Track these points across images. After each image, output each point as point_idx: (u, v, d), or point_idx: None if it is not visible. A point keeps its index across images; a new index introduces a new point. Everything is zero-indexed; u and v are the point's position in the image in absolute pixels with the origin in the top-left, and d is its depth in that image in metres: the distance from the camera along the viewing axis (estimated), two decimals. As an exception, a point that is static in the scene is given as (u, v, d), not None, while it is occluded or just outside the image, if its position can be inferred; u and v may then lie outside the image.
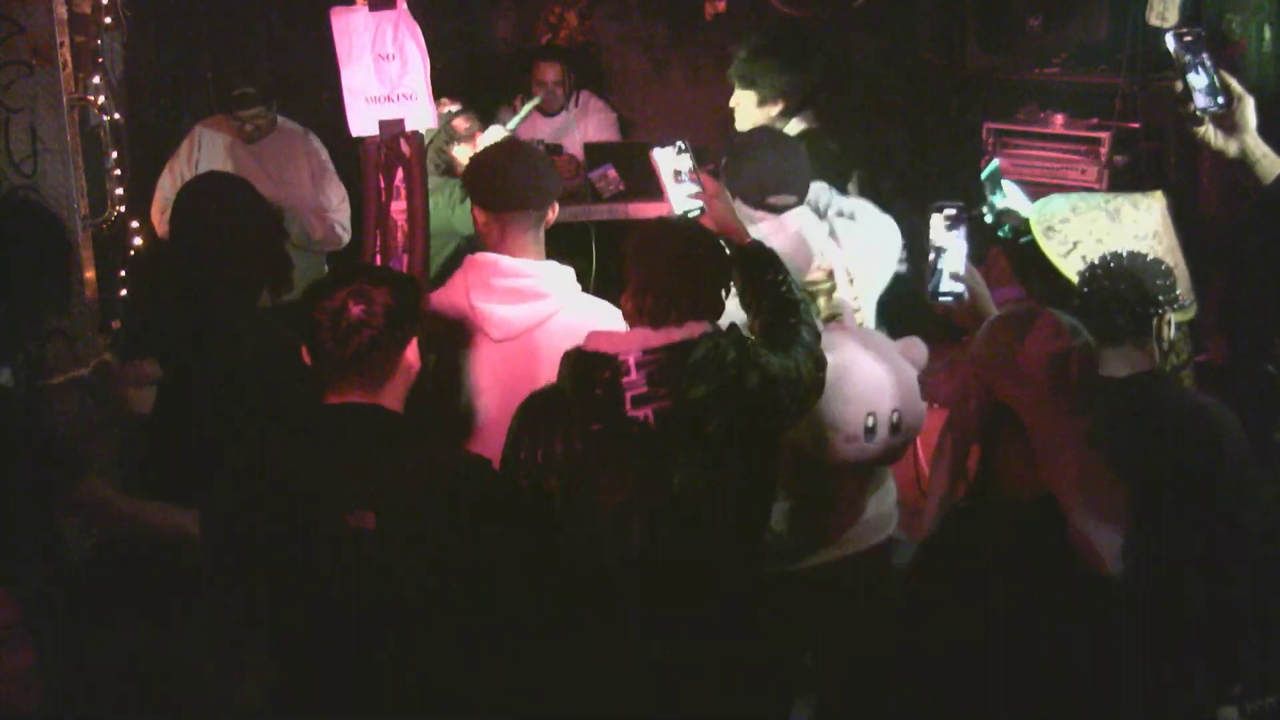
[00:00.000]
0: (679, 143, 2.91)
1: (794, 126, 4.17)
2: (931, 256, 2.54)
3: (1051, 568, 2.17)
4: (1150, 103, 4.41)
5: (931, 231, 2.54)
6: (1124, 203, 2.97)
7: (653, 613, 2.48)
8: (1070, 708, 2.20)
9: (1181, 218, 3.42)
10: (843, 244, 3.19)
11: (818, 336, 2.75)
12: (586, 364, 2.51)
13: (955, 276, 2.53)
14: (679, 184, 2.92)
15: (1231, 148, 2.35)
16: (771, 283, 2.75)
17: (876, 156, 5.08)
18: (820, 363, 2.67)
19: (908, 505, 3.31)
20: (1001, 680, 2.20)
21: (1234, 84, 2.34)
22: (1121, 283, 2.41)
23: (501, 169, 3.05)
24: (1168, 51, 2.36)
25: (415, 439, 2.38)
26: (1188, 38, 2.34)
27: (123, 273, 4.20)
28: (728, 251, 2.72)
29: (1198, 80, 2.32)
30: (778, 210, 3.15)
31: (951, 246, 2.54)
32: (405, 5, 3.27)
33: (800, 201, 3.20)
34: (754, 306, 2.78)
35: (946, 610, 2.30)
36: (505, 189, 3.00)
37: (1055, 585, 2.17)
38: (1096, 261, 2.51)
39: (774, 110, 4.13)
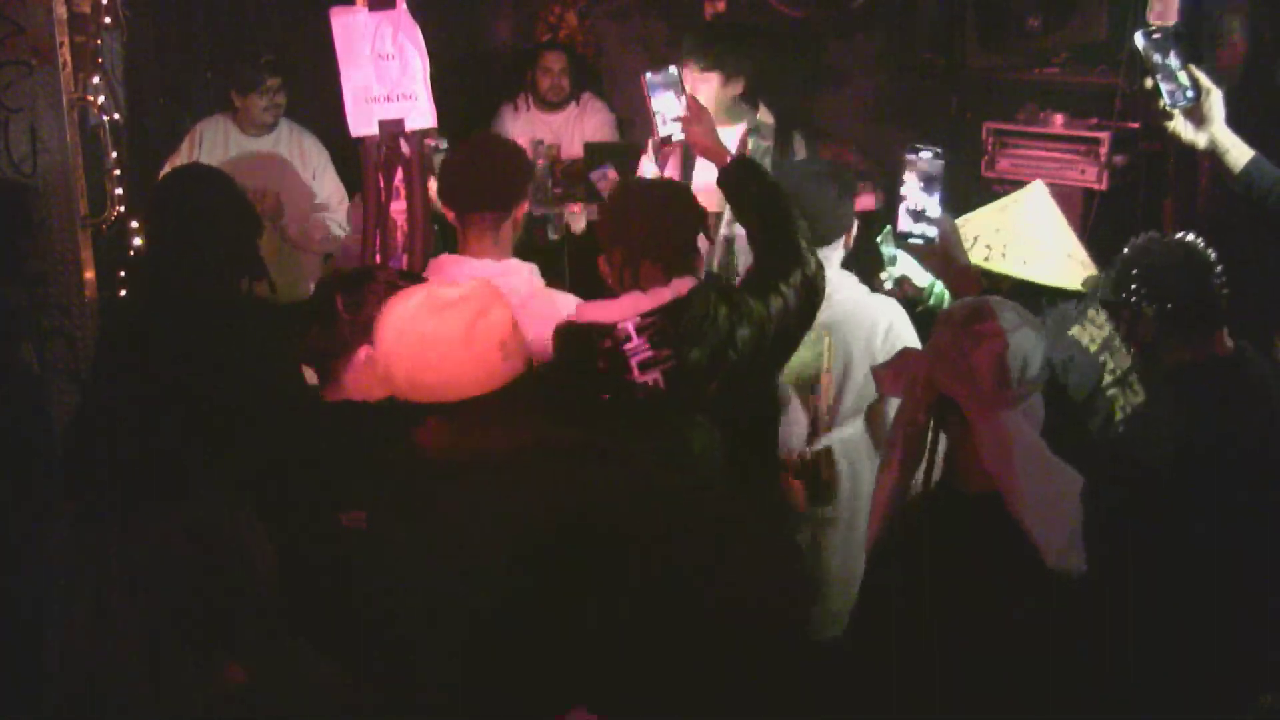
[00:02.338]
0: (670, 68, 2.98)
1: (765, 115, 4.25)
2: (904, 198, 2.56)
3: (1002, 560, 2.16)
4: (1150, 103, 4.41)
5: (905, 173, 2.56)
6: (1007, 199, 3.21)
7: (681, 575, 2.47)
8: (1026, 702, 2.17)
9: (1182, 217, 3.43)
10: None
11: (811, 250, 2.75)
12: (582, 335, 2.51)
13: (927, 219, 2.55)
14: (664, 108, 3.00)
15: (1201, 140, 2.43)
16: (756, 195, 2.77)
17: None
18: (810, 282, 2.69)
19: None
20: (951, 676, 2.18)
21: (1202, 78, 2.41)
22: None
23: (464, 169, 3.04)
24: (1139, 52, 2.45)
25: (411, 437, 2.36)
26: (1156, 35, 2.42)
27: (122, 273, 4.20)
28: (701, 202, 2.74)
29: (1167, 76, 2.39)
30: None
31: (925, 189, 2.55)
32: (405, 5, 3.27)
33: (831, 232, 3.13)
34: (746, 227, 2.81)
35: (899, 603, 2.28)
36: (466, 189, 2.99)
37: (1006, 578, 2.16)
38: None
39: (736, 91, 4.16)
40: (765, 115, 4.27)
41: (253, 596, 1.85)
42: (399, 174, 3.32)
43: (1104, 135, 4.43)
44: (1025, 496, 2.11)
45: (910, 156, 2.55)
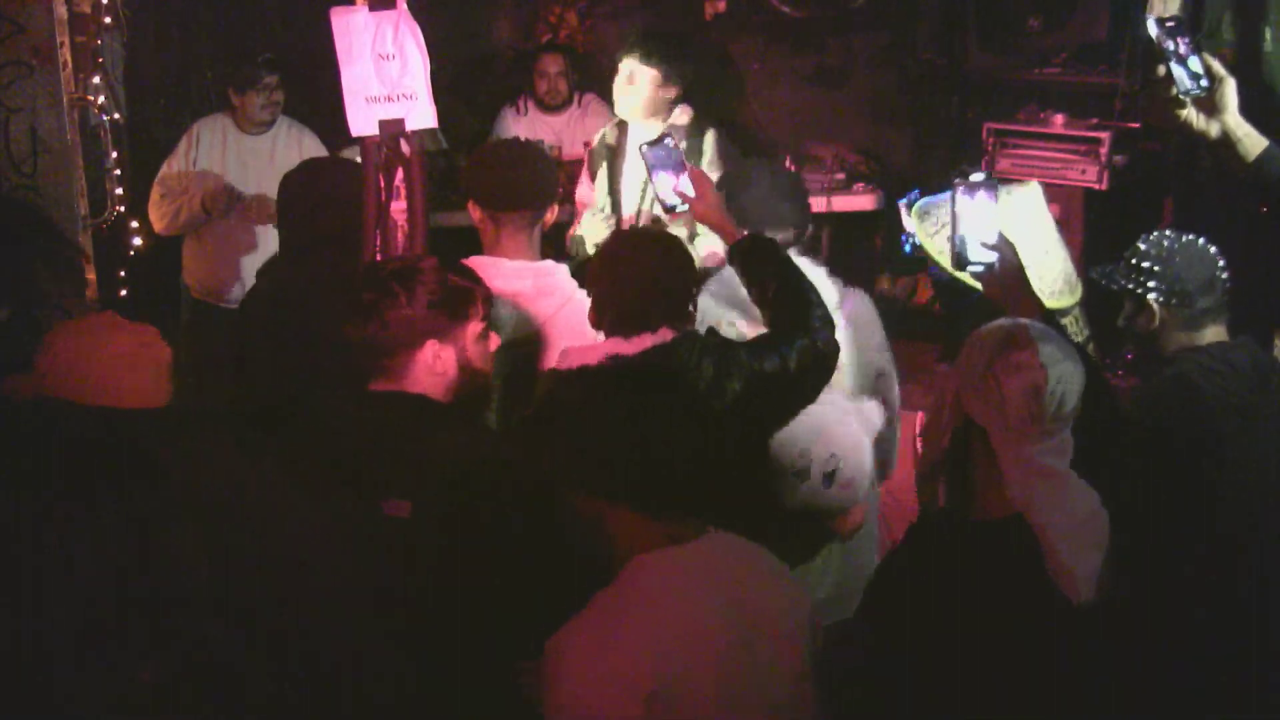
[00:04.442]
0: (667, 139, 2.93)
1: (681, 115, 4.29)
2: (957, 225, 2.47)
3: (1019, 591, 2.08)
4: (1163, 91, 4.41)
5: (956, 202, 2.47)
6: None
7: None
8: None
9: (1182, 217, 3.43)
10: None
11: (828, 322, 2.69)
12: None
13: (984, 245, 2.46)
14: (667, 179, 2.94)
15: (1214, 129, 2.37)
16: (773, 274, 2.73)
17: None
18: (820, 349, 2.63)
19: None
20: (966, 704, 2.11)
21: (1216, 65, 2.36)
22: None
23: (501, 167, 3.05)
24: (1152, 39, 2.37)
25: (457, 429, 2.37)
26: (1169, 23, 2.36)
27: (123, 273, 4.21)
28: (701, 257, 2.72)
29: (1180, 64, 2.33)
30: None
31: (977, 214, 2.47)
32: (405, 5, 3.27)
33: (800, 236, 3.13)
34: (759, 300, 2.76)
35: (904, 628, 2.20)
36: (503, 187, 3.00)
37: (1023, 610, 2.08)
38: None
39: (671, 94, 4.22)
40: (681, 116, 4.30)
41: (180, 593, 1.86)
42: (399, 174, 3.31)
43: (1104, 135, 4.44)
44: (1051, 530, 2.04)
45: (959, 181, 2.47)
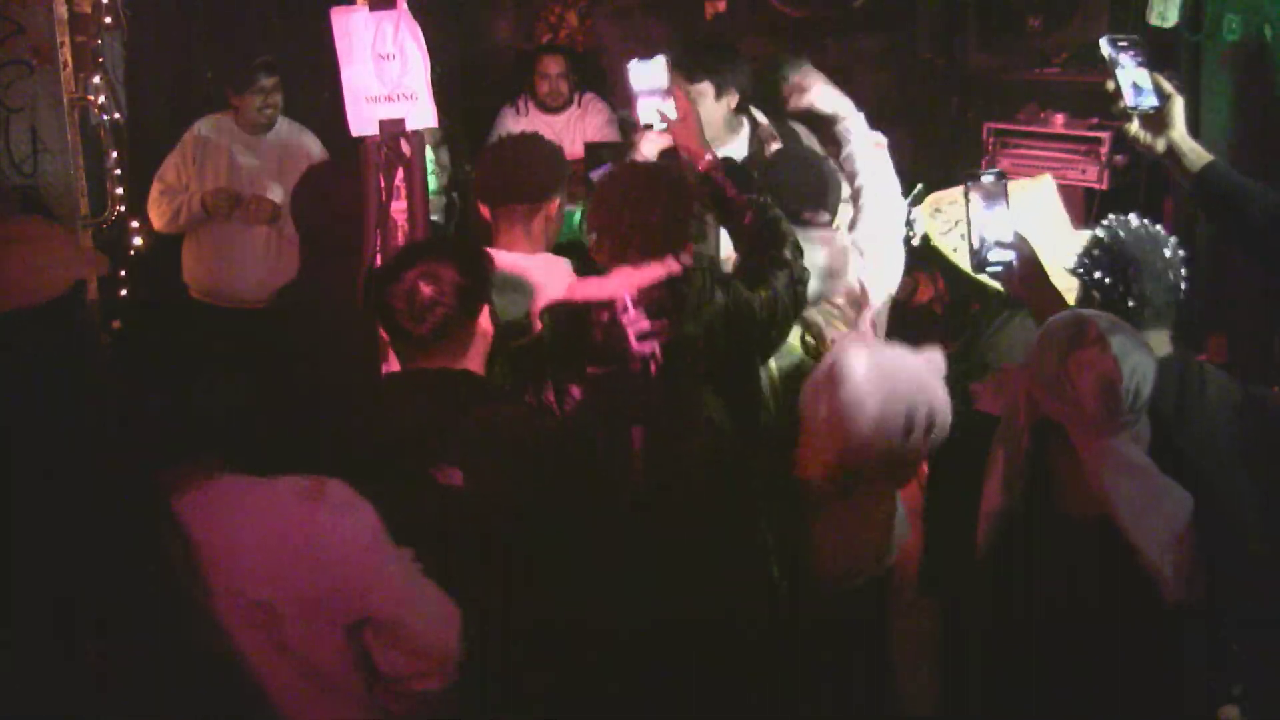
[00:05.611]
0: (661, 56, 2.99)
1: (761, 116, 4.21)
2: (973, 228, 2.51)
3: (1112, 589, 2.08)
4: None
5: (969, 203, 2.51)
6: (1012, 188, 3.04)
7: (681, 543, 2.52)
8: None
9: (1182, 217, 3.42)
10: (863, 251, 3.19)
11: (798, 249, 2.78)
12: (575, 313, 2.55)
13: (1001, 245, 2.49)
14: (650, 98, 2.99)
15: (1160, 144, 2.46)
16: (740, 200, 2.80)
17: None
18: (796, 283, 2.73)
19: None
20: (1056, 705, 2.13)
21: (1165, 84, 2.45)
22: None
23: (496, 162, 3.06)
24: (1104, 56, 2.46)
25: (500, 401, 2.45)
26: (1121, 42, 2.46)
27: (123, 273, 4.21)
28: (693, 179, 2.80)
29: (1128, 81, 2.42)
30: (811, 226, 3.14)
31: (991, 214, 2.50)
32: (405, 5, 3.27)
33: (833, 218, 3.19)
34: (734, 229, 2.83)
35: (1003, 629, 2.20)
36: (496, 182, 3.01)
37: (1120, 608, 2.08)
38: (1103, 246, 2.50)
39: (732, 101, 4.10)
40: (761, 117, 4.24)
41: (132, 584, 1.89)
42: (399, 174, 3.31)
43: (1104, 135, 4.43)
44: (1140, 524, 2.04)
45: (971, 183, 2.51)
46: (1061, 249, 2.92)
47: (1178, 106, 2.44)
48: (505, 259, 2.94)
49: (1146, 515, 2.05)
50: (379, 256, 3.37)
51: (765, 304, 2.65)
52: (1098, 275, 2.49)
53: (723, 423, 2.61)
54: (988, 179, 2.50)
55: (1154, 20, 4.18)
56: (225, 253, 4.80)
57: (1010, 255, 2.48)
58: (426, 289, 2.35)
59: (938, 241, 2.91)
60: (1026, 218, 2.93)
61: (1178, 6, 4.09)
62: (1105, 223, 2.59)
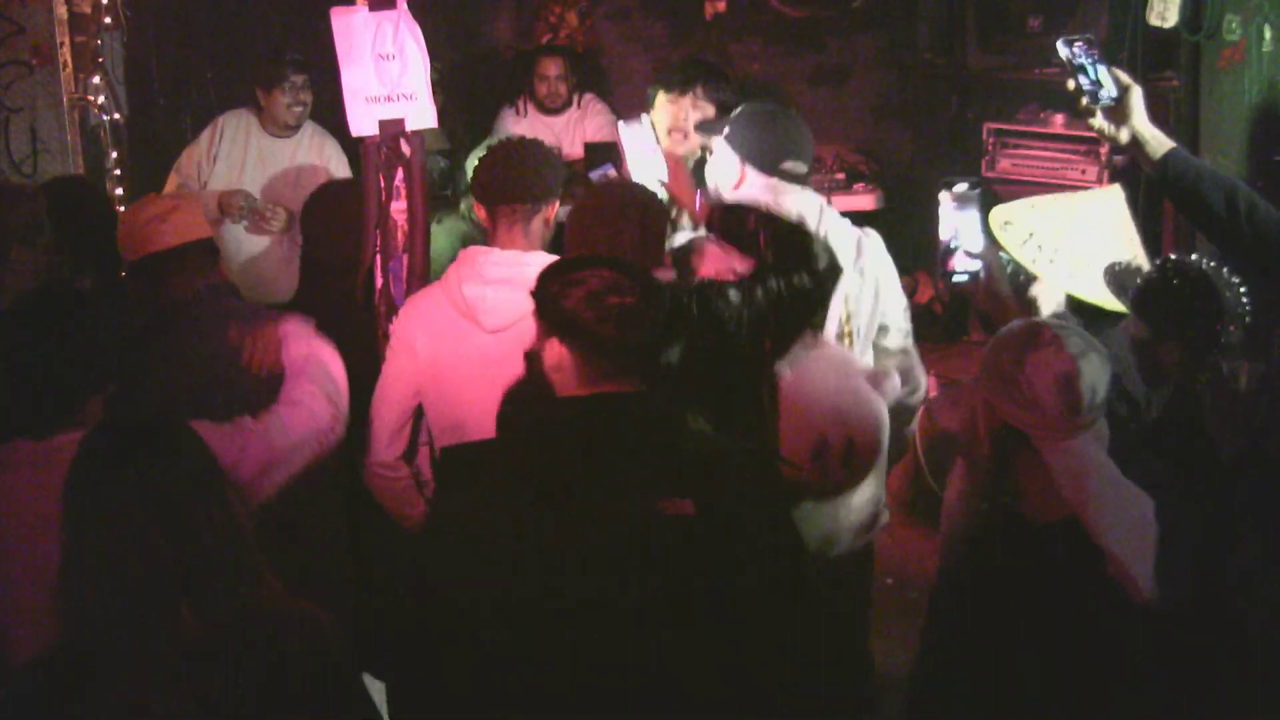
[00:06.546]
0: (645, 118, 3.03)
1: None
2: (944, 236, 2.53)
3: (1083, 593, 2.08)
4: (1150, 103, 4.42)
5: (941, 210, 2.53)
6: (1081, 197, 3.05)
7: None
8: None
9: (1180, 218, 3.41)
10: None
11: (826, 252, 2.72)
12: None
13: (969, 254, 2.52)
14: (642, 157, 3.12)
15: (1123, 135, 2.52)
16: (757, 226, 2.80)
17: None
18: (823, 269, 2.67)
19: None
20: (1027, 711, 2.13)
21: (1122, 76, 2.51)
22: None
23: (493, 164, 3.07)
24: (1062, 58, 2.52)
25: (690, 427, 2.21)
26: (1076, 41, 2.53)
27: (123, 273, 4.20)
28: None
29: (1087, 77, 2.49)
30: (790, 177, 3.13)
31: (963, 224, 2.52)
32: (405, 5, 3.27)
33: (809, 170, 3.16)
34: (755, 253, 2.83)
35: (972, 639, 2.21)
36: (492, 183, 3.02)
37: (1089, 611, 2.09)
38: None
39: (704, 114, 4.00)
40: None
41: (215, 552, 1.91)
42: (399, 174, 3.32)
43: (1104, 135, 4.44)
44: (1108, 524, 2.04)
45: (944, 195, 2.53)
46: (1124, 267, 2.84)
47: (1136, 96, 2.50)
48: (500, 256, 2.95)
49: (1114, 515, 2.06)
50: (378, 257, 3.38)
51: (733, 314, 2.58)
52: (1182, 326, 2.51)
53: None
54: (961, 188, 2.52)
55: (1154, 20, 4.19)
56: (227, 254, 4.78)
57: (977, 265, 2.51)
58: (625, 299, 2.14)
59: (1016, 254, 2.80)
60: (1093, 229, 2.85)
61: (1178, 6, 4.09)
62: (1170, 268, 2.59)
